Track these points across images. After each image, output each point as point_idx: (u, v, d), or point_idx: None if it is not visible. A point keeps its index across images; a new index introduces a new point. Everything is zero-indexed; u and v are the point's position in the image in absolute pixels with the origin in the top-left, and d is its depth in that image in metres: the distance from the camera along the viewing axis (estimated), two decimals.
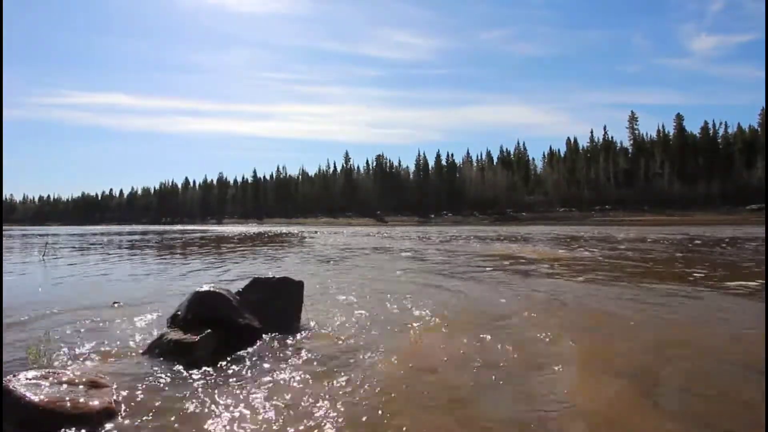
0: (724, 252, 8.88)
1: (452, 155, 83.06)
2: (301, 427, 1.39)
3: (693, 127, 69.36)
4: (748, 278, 5.65)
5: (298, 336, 3.18)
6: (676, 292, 4.74)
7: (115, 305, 3.63)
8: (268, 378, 2.08)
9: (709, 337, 3.22)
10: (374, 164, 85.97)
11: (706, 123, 70.68)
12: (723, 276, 5.81)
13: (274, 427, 1.42)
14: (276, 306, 3.58)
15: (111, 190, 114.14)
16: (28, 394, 1.20)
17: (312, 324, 3.36)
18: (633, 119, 74.81)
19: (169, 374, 2.25)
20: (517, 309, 3.96)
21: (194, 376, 2.27)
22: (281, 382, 2.03)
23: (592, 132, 77.20)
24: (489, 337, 3.13)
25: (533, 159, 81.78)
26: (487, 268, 6.55)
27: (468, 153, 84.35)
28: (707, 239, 12.48)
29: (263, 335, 3.17)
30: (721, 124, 69.04)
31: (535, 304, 4.22)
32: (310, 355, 2.60)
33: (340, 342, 2.84)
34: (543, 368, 2.52)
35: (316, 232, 28.69)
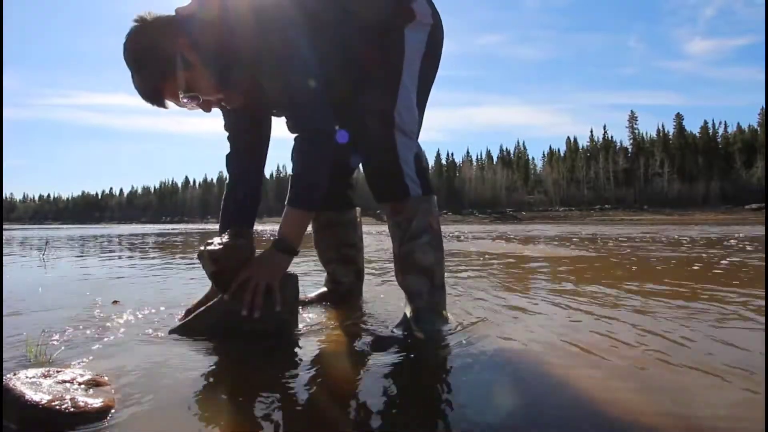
0: None
1: (452, 154, 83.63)
2: (293, 426, 1.39)
3: (693, 127, 69.77)
4: None
5: (294, 332, 3.18)
6: None
7: (116, 303, 3.63)
8: (262, 375, 2.09)
9: None
10: None
11: (705, 123, 70.71)
12: None
13: (266, 423, 1.42)
14: (269, 301, 3.57)
15: (111, 189, 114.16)
16: (27, 392, 1.18)
17: (307, 319, 3.35)
18: (633, 119, 74.72)
19: (169, 373, 2.26)
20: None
21: (194, 376, 2.28)
22: (276, 379, 2.04)
23: (591, 131, 77.44)
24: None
25: (533, 159, 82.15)
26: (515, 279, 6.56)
27: (468, 152, 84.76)
28: None
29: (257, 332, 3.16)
30: (720, 123, 69.55)
31: None
32: (303, 352, 2.60)
33: (335, 338, 2.85)
34: None
35: None
